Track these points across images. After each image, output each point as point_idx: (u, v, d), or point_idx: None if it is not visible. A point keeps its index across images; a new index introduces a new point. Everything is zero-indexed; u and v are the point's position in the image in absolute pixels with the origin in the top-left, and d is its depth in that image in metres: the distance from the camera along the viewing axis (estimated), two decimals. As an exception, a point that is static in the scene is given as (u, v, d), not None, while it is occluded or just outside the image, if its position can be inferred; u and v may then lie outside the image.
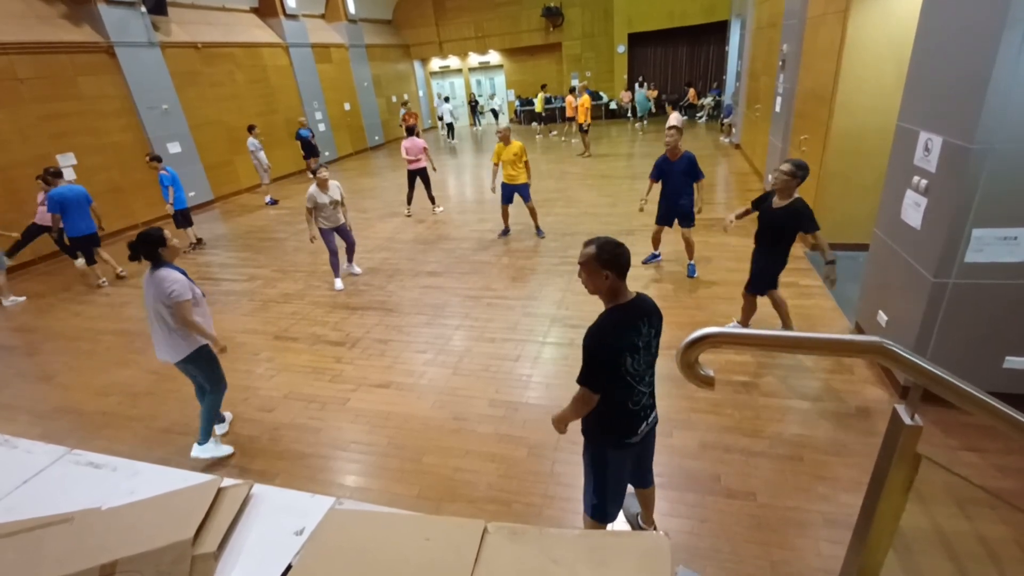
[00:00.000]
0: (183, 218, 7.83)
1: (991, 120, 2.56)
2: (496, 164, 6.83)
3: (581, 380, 1.91)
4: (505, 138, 6.63)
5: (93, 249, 6.61)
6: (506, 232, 7.24)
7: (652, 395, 2.10)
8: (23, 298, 6.52)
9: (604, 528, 2.23)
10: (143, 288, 3.04)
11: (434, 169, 8.78)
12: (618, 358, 1.87)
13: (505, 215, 7.14)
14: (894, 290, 3.45)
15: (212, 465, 3.30)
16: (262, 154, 10.41)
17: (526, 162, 6.67)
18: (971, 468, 2.80)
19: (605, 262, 1.85)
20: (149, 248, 2.95)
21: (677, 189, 5.13)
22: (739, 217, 4.17)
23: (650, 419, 2.11)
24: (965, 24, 2.76)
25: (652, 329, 1.96)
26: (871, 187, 4.97)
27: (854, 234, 5.39)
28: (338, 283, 5.99)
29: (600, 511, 2.18)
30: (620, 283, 1.89)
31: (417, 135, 8.38)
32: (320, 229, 5.62)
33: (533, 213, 6.95)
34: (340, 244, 5.94)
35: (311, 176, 12.52)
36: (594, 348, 1.87)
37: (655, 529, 2.54)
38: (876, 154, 4.92)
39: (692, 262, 5.49)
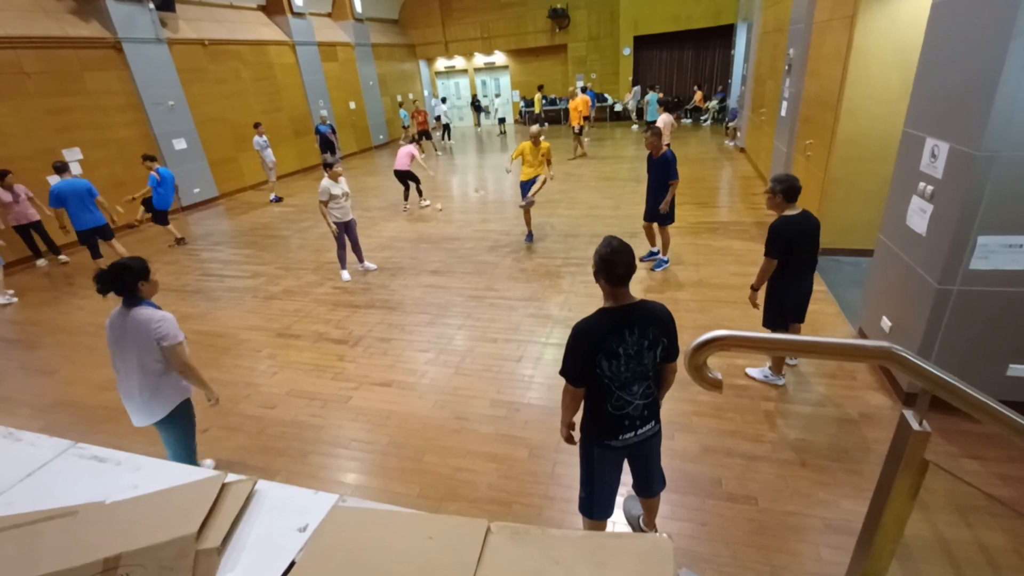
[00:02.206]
0: (160, 218, 7.91)
1: (998, 127, 2.56)
2: (513, 159, 6.71)
3: (560, 370, 2.02)
4: (536, 140, 6.52)
5: (98, 242, 6.64)
6: (530, 237, 7.00)
7: (647, 407, 2.05)
8: (12, 292, 6.52)
9: (592, 522, 2.28)
10: (107, 332, 2.52)
11: (430, 174, 9.05)
12: (590, 357, 1.90)
13: (527, 219, 6.90)
14: (898, 296, 3.45)
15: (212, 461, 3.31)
16: (268, 151, 10.47)
17: (549, 161, 6.63)
18: (972, 476, 2.79)
19: (597, 268, 1.93)
20: (128, 281, 2.42)
21: (655, 186, 5.41)
22: None
23: (640, 430, 2.06)
24: (973, 31, 2.75)
25: (644, 340, 1.91)
26: (876, 193, 4.97)
27: (858, 240, 5.39)
28: (345, 275, 6.11)
29: (586, 505, 2.25)
30: (615, 289, 1.91)
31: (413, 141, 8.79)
32: (333, 222, 5.80)
33: (528, 214, 6.84)
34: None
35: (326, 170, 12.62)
36: (569, 341, 1.95)
37: (655, 530, 2.54)
38: (881, 160, 4.91)
39: (665, 257, 5.72)
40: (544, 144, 6.58)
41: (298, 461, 3.28)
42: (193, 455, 2.85)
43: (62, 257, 7.70)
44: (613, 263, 1.86)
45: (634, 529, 2.60)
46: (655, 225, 5.68)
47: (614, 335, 1.88)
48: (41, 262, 7.51)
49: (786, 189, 3.17)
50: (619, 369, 1.92)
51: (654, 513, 2.49)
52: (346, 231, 5.94)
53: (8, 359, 4.94)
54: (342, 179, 5.73)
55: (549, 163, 6.70)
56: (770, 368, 3.66)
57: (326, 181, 5.63)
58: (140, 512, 1.27)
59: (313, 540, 1.22)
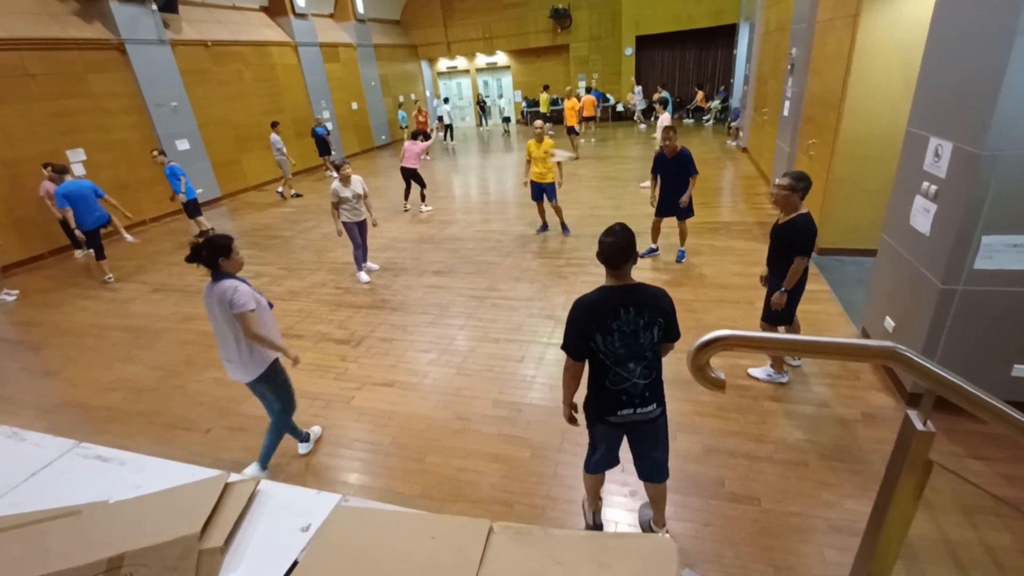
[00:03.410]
0: (194, 208, 8.00)
1: (1002, 126, 2.55)
2: (528, 161, 6.78)
3: (562, 344, 2.15)
4: (539, 136, 6.59)
5: (102, 242, 6.71)
6: (544, 228, 7.27)
7: (648, 388, 2.12)
8: (16, 292, 6.61)
9: (589, 476, 2.48)
10: (204, 300, 2.80)
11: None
12: (586, 332, 2.04)
13: (540, 211, 7.17)
14: (902, 296, 3.43)
15: (216, 461, 3.31)
16: (284, 150, 10.69)
17: (559, 164, 6.68)
18: (977, 476, 2.77)
19: (597, 254, 2.08)
20: (210, 254, 2.69)
21: (673, 183, 5.51)
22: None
23: (639, 409, 2.13)
24: (977, 30, 2.74)
25: (640, 319, 2.00)
26: (879, 193, 4.95)
27: (861, 239, 5.37)
28: (362, 275, 6.07)
29: (587, 464, 2.47)
30: (612, 271, 2.05)
31: (422, 138, 8.80)
32: (344, 223, 5.74)
33: (558, 211, 7.04)
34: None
35: (328, 173, 12.69)
36: (569, 315, 2.10)
37: (665, 530, 2.55)
38: (884, 159, 4.90)
39: (683, 248, 5.89)
40: (548, 141, 6.60)
41: (300, 461, 3.29)
42: (288, 405, 3.09)
43: (78, 252, 7.88)
44: (606, 249, 2.02)
45: (645, 531, 2.60)
46: (669, 220, 5.77)
47: (610, 312, 2.00)
48: (79, 253, 7.75)
49: (808, 187, 3.21)
50: (613, 345, 2.03)
51: (659, 507, 2.49)
52: (358, 231, 5.89)
53: (12, 360, 4.96)
54: (354, 180, 5.66)
55: (560, 165, 6.72)
56: (772, 367, 3.66)
57: (336, 183, 5.59)
58: (143, 512, 1.27)
59: (316, 540, 1.23)
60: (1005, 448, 2.89)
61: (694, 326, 4.35)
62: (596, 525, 2.63)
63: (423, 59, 20.09)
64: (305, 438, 3.34)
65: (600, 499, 2.66)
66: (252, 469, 3.13)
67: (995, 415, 1.03)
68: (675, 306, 2.12)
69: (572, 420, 2.31)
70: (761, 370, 3.69)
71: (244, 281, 2.78)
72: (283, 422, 3.11)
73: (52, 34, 8.08)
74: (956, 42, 2.95)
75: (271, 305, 2.96)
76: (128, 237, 7.21)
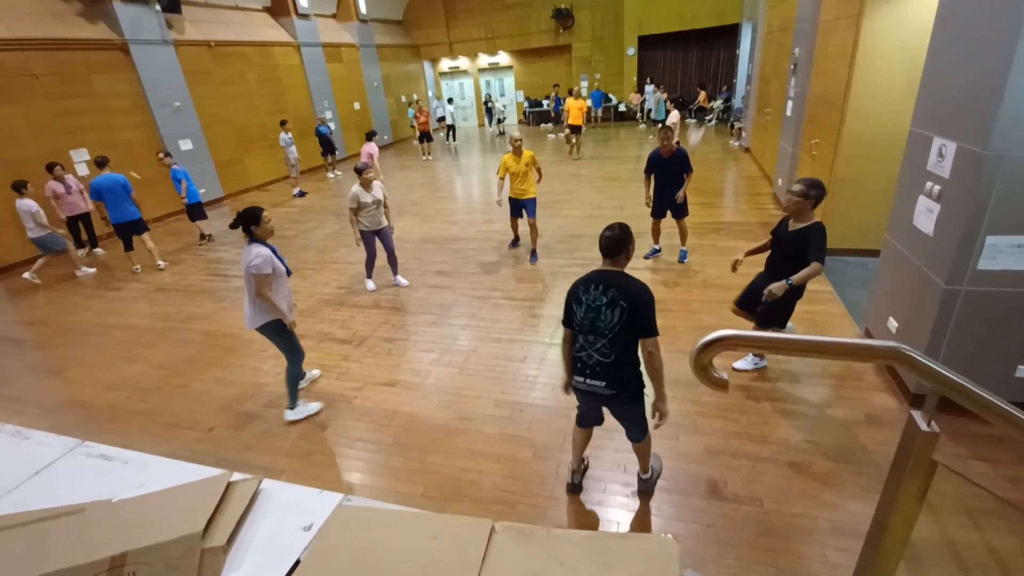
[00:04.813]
0: (197, 212, 8.04)
1: (1006, 126, 2.54)
2: (501, 178, 6.08)
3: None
4: (517, 149, 5.96)
5: (132, 236, 6.91)
6: (516, 242, 6.84)
7: (601, 366, 2.34)
8: (93, 269, 7.04)
9: (577, 428, 2.76)
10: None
11: (381, 178, 9.30)
12: (569, 302, 2.43)
13: (514, 226, 6.69)
14: (905, 296, 3.42)
15: (218, 460, 3.32)
16: (293, 148, 10.81)
17: (538, 169, 6.19)
18: (981, 478, 2.76)
19: (599, 245, 2.40)
20: (244, 222, 3.25)
21: (670, 183, 5.48)
22: (751, 253, 3.81)
23: (589, 380, 2.39)
24: (981, 31, 2.73)
25: (604, 296, 2.28)
26: (882, 193, 4.94)
27: (864, 240, 5.36)
28: (370, 284, 5.82)
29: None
30: (605, 259, 2.39)
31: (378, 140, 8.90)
32: (361, 231, 5.41)
33: (534, 231, 6.30)
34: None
35: (330, 173, 12.72)
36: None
37: (643, 476, 2.79)
38: (887, 159, 4.88)
39: (684, 248, 5.85)
40: (527, 153, 6.02)
41: (303, 460, 3.29)
42: (293, 354, 3.55)
43: (98, 250, 8.04)
44: (601, 236, 2.37)
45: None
46: (669, 220, 5.75)
47: (583, 286, 2.38)
48: (81, 253, 7.83)
49: (820, 196, 3.20)
50: (580, 315, 2.37)
51: (641, 458, 2.74)
52: (380, 240, 5.54)
53: (16, 359, 4.98)
54: (375, 185, 5.27)
55: (539, 172, 6.25)
56: (753, 353, 3.69)
57: (356, 187, 5.19)
58: (146, 511, 1.28)
59: (318, 539, 1.23)
60: (1009, 450, 2.88)
61: (696, 326, 4.34)
62: (575, 485, 2.82)
63: (425, 59, 20.11)
64: (293, 406, 3.65)
65: (583, 460, 2.89)
66: (287, 414, 3.65)
67: (999, 416, 1.03)
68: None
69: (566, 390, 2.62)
70: (744, 361, 3.71)
71: (273, 248, 3.30)
72: (291, 369, 3.56)
73: (56, 34, 8.11)
74: (960, 42, 2.94)
75: (290, 272, 3.50)
76: (160, 263, 7.14)
